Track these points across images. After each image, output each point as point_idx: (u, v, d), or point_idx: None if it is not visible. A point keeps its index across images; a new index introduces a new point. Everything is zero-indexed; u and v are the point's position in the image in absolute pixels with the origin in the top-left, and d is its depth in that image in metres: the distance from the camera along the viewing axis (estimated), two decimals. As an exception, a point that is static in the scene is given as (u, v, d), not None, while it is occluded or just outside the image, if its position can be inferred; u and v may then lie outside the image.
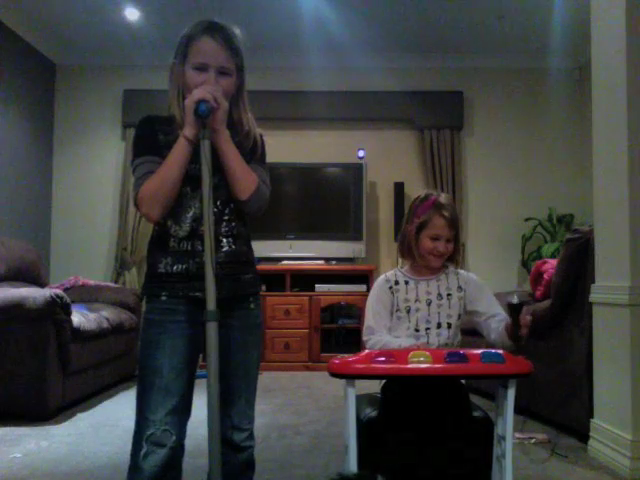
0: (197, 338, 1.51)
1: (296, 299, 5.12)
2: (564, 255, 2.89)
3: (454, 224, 1.92)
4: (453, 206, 1.96)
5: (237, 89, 1.58)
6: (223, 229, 1.53)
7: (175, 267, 1.50)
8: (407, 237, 1.96)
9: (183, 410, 1.49)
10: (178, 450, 1.47)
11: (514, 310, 1.62)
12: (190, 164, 1.48)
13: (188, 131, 1.46)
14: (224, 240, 1.52)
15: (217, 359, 1.38)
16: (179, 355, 1.48)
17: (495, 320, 1.84)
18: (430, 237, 1.91)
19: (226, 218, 1.53)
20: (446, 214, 1.90)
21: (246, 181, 1.50)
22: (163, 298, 1.50)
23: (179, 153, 1.46)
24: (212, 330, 1.39)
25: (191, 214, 1.51)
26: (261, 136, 1.64)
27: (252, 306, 1.59)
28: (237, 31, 1.59)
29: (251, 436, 1.58)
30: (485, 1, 4.69)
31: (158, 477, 1.42)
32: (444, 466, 1.70)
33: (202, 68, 1.51)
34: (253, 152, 1.59)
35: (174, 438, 1.45)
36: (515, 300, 1.60)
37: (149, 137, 1.53)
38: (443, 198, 1.95)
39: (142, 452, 1.42)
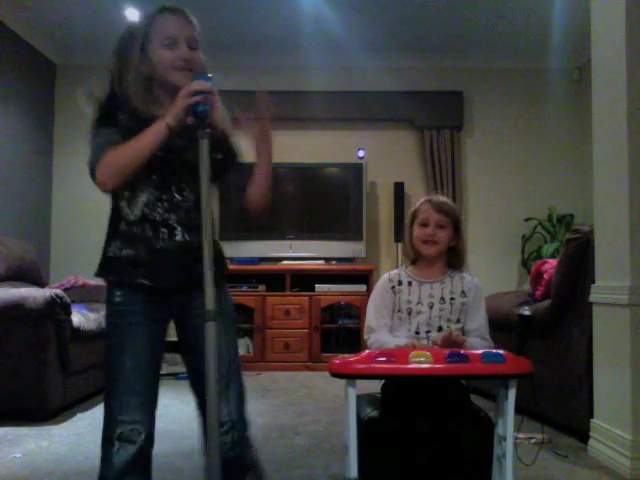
0: (158, 335, 1.51)
1: (296, 299, 5.12)
2: (564, 255, 2.89)
3: (442, 209, 1.94)
4: (447, 200, 2.00)
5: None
6: (179, 217, 1.49)
7: (124, 251, 1.48)
8: (405, 232, 2.02)
9: (149, 408, 1.50)
10: (147, 443, 1.48)
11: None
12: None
13: (172, 120, 1.41)
14: (178, 228, 1.49)
15: (216, 358, 1.38)
16: (140, 356, 1.48)
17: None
18: (420, 225, 1.95)
19: (186, 206, 1.50)
20: (433, 199, 1.96)
21: (267, 196, 1.50)
22: (117, 299, 1.50)
23: (155, 137, 1.41)
24: (211, 329, 1.38)
25: (144, 198, 1.47)
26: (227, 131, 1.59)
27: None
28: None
29: (229, 431, 1.49)
30: (485, 1, 4.69)
31: (127, 469, 1.46)
32: (444, 466, 1.70)
33: (172, 43, 1.49)
34: (228, 149, 1.56)
35: (142, 436, 1.46)
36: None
37: (108, 114, 1.48)
38: (437, 194, 2.03)
39: (113, 449, 1.45)
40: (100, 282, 5.35)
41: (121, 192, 1.48)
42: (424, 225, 1.93)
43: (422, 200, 1.99)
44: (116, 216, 1.50)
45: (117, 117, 1.47)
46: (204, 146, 1.41)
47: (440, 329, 1.87)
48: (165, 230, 1.48)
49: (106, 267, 1.52)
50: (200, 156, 1.41)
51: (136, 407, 1.46)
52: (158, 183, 1.47)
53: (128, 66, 1.50)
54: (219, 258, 1.56)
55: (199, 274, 1.38)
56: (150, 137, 1.42)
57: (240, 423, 1.53)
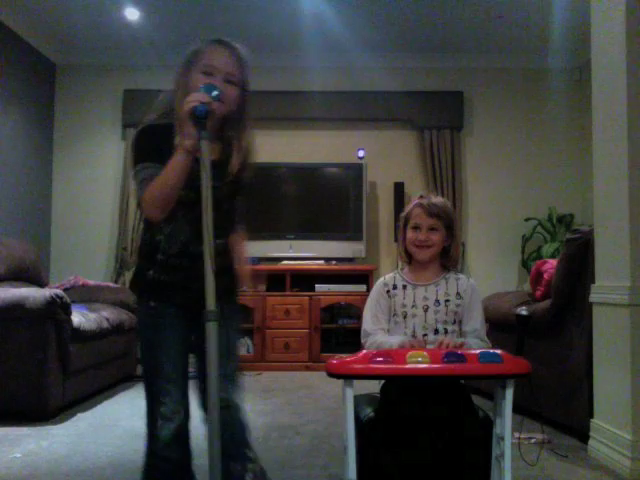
0: (187, 336, 1.63)
1: (296, 299, 5.12)
2: (564, 255, 2.89)
3: (434, 213, 1.91)
4: (441, 202, 1.96)
5: (238, 108, 1.59)
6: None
7: (162, 276, 1.61)
8: (398, 234, 2.00)
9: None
10: (186, 418, 1.62)
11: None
12: (183, 189, 1.50)
13: (186, 141, 1.45)
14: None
15: (218, 360, 1.38)
16: (175, 351, 1.61)
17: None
18: (412, 228, 1.94)
19: (218, 241, 1.57)
20: (424, 203, 1.93)
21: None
22: (152, 303, 1.62)
23: (177, 163, 1.47)
24: (212, 330, 1.38)
25: (182, 238, 1.58)
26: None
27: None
28: (245, 51, 1.60)
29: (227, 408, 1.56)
30: (485, 1, 4.69)
31: (171, 441, 1.57)
32: (444, 466, 1.70)
33: (209, 72, 1.53)
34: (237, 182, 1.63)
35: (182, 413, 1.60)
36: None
37: (148, 146, 1.57)
38: (430, 195, 1.98)
39: (158, 425, 1.57)
40: (99, 282, 5.34)
41: (158, 227, 1.59)
42: (416, 229, 1.93)
43: (414, 203, 1.96)
44: (152, 247, 1.61)
45: (160, 150, 1.51)
46: (204, 147, 1.42)
47: (437, 331, 1.86)
48: (201, 262, 1.53)
49: (146, 289, 1.65)
50: (201, 157, 1.42)
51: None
52: (193, 221, 1.52)
53: (176, 90, 1.56)
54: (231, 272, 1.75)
55: (222, 289, 1.52)
56: (171, 165, 1.48)
57: (239, 407, 1.62)
